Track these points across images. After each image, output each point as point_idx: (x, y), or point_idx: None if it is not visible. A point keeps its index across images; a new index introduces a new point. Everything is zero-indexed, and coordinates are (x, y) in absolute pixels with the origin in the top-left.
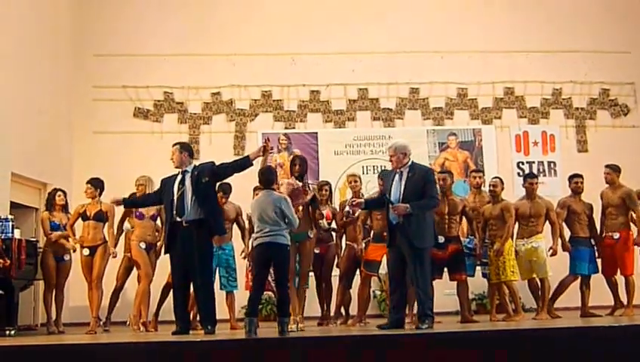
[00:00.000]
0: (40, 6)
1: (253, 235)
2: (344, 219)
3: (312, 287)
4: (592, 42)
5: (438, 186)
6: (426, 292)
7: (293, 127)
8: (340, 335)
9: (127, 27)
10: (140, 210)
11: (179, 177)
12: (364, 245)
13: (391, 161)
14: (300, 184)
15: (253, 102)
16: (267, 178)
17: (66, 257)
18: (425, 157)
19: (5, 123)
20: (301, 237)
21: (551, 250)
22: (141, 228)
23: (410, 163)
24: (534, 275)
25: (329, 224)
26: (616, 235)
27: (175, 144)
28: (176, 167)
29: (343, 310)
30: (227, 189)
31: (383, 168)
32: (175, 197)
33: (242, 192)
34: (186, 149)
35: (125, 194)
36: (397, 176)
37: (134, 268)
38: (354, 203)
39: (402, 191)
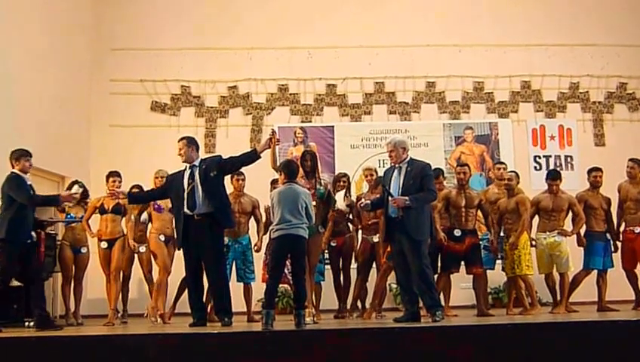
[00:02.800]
0: (59, 1)
1: (273, 226)
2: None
3: (328, 281)
4: (610, 36)
5: (457, 179)
6: (428, 283)
7: (310, 121)
8: (357, 327)
9: (145, 21)
10: (159, 202)
11: (187, 172)
12: (377, 239)
13: (390, 156)
14: (304, 181)
15: (270, 96)
16: (291, 170)
17: (84, 249)
18: (441, 151)
19: (24, 116)
20: (310, 231)
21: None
22: (160, 220)
23: (408, 158)
24: (554, 270)
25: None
26: (637, 229)
27: (181, 139)
28: (185, 162)
29: (359, 303)
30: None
31: None
32: (186, 192)
33: (258, 185)
34: (194, 143)
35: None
36: (396, 172)
37: (135, 257)
38: (361, 205)
39: (401, 186)
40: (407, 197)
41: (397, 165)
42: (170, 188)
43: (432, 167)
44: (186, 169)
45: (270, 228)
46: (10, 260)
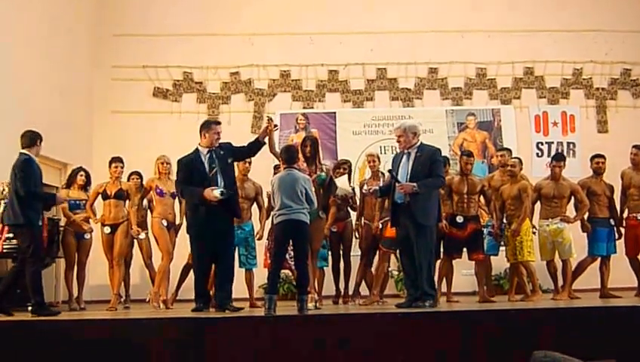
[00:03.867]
0: None
1: (275, 212)
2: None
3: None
4: (614, 21)
5: (459, 168)
6: (428, 271)
7: (312, 107)
8: (359, 313)
9: (147, 7)
10: (161, 187)
11: (207, 155)
12: (381, 225)
13: (399, 141)
14: (305, 166)
15: (272, 82)
16: (290, 156)
17: (87, 235)
18: (444, 138)
19: (26, 103)
20: (312, 216)
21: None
22: (162, 205)
23: (419, 143)
24: (556, 256)
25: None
26: None
27: (219, 123)
28: (210, 146)
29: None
30: None
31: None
32: (210, 175)
33: (261, 171)
34: None
35: (143, 173)
36: (405, 157)
37: (135, 242)
38: (370, 190)
39: (410, 172)
40: (414, 184)
41: (406, 151)
42: (192, 173)
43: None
44: (199, 152)
45: (272, 213)
46: (36, 241)
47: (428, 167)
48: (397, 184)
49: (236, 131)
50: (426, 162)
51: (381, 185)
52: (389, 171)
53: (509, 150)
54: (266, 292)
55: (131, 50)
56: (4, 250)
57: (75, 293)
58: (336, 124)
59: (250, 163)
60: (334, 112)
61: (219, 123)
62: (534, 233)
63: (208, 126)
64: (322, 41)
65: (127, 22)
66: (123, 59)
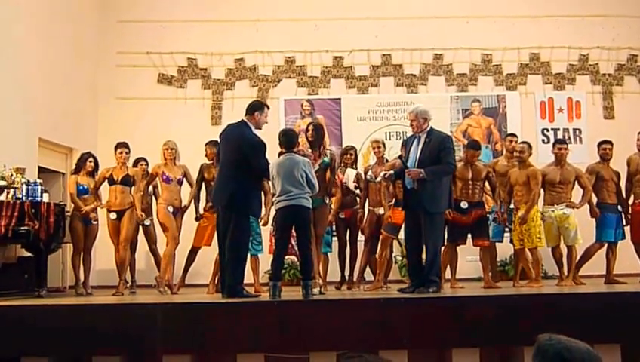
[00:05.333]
0: None
1: (276, 198)
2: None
3: (333, 252)
4: (621, 6)
5: (464, 157)
6: (434, 258)
7: (317, 93)
8: (363, 298)
9: None
10: (167, 173)
11: None
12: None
13: (411, 125)
14: (310, 152)
15: (277, 68)
16: (288, 140)
17: (94, 221)
18: (447, 124)
19: (31, 89)
20: (317, 202)
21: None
22: (168, 191)
23: (428, 128)
24: (561, 242)
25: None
26: None
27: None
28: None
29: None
30: None
31: (405, 134)
32: None
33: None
34: None
35: (149, 158)
36: (415, 141)
37: (140, 228)
38: (386, 176)
39: (418, 157)
40: (421, 170)
41: (417, 134)
42: None
43: None
44: None
45: (273, 199)
46: None
47: (436, 153)
48: (405, 170)
49: (240, 118)
50: (434, 148)
51: (391, 171)
52: (399, 157)
53: (516, 136)
54: (270, 279)
55: (136, 36)
56: (14, 234)
57: (82, 278)
58: (341, 110)
59: None
60: (339, 98)
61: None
62: (543, 220)
63: (262, 108)
64: (327, 27)
65: (132, 8)
66: (128, 45)
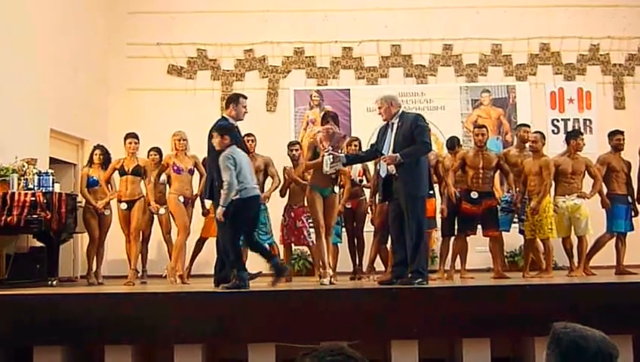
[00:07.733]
0: None
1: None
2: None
3: (343, 242)
4: None
5: (475, 141)
6: (417, 247)
7: (326, 84)
8: (373, 288)
9: None
10: (178, 164)
11: None
12: None
13: (380, 113)
14: (338, 129)
15: (286, 59)
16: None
17: (107, 212)
18: (457, 115)
19: (43, 81)
20: (326, 192)
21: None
22: (179, 181)
23: (399, 113)
24: (571, 233)
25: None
26: None
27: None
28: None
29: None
30: None
31: None
32: None
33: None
34: None
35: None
36: (389, 130)
37: (155, 218)
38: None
39: (392, 143)
40: (397, 155)
41: (389, 122)
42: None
43: (446, 133)
44: None
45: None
46: None
47: (410, 134)
48: (381, 157)
49: (250, 108)
50: (407, 130)
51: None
52: (372, 145)
53: (529, 126)
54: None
55: (146, 27)
56: (26, 224)
57: (94, 268)
58: (350, 100)
59: (254, 140)
60: (348, 89)
61: (246, 97)
62: (555, 211)
63: (237, 100)
64: (336, 18)
65: (142, 0)
66: (138, 36)
